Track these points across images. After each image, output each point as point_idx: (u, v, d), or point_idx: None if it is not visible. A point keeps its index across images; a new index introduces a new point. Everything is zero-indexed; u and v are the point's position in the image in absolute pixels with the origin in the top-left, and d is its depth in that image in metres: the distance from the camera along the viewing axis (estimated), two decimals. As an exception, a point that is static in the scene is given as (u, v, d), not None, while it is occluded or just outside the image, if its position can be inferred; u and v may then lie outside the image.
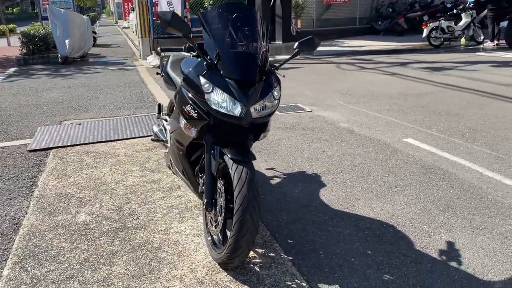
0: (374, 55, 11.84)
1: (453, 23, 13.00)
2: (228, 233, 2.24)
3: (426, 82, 7.57)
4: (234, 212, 2.12)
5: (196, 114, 2.31)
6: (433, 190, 3.35)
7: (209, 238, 2.49)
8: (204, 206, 2.36)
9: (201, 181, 2.53)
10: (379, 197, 3.26)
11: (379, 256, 2.51)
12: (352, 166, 3.88)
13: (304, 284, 2.24)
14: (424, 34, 13.00)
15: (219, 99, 2.18)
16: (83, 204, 3.22)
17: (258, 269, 2.37)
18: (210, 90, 2.20)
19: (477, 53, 11.26)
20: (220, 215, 2.30)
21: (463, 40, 13.22)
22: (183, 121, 2.43)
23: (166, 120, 3.49)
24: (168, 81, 3.40)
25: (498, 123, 5.07)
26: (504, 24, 11.47)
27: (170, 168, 3.27)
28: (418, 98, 6.42)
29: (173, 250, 2.58)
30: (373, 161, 4.00)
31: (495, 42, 12.69)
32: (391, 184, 3.49)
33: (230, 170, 2.20)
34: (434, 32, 12.94)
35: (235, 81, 2.20)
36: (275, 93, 2.33)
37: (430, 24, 12.97)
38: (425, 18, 16.33)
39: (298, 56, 2.53)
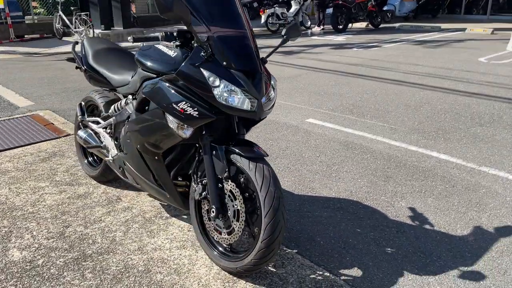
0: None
1: (286, 10, 14.08)
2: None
3: (290, 66, 8.07)
4: (265, 214, 1.96)
5: (197, 112, 2.03)
6: (364, 164, 3.64)
7: (217, 249, 2.25)
8: (214, 214, 2.12)
9: (195, 186, 2.25)
10: (328, 177, 3.40)
11: (369, 232, 2.65)
12: (282, 150, 3.94)
13: (328, 274, 2.22)
14: (263, 20, 13.77)
15: (228, 93, 1.97)
16: (5, 238, 2.55)
17: (274, 269, 2.25)
18: (217, 84, 1.97)
19: (312, 37, 12.44)
20: (237, 221, 2.10)
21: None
22: (174, 121, 2.11)
23: (97, 123, 2.98)
24: (96, 77, 2.90)
25: (372, 98, 5.74)
26: (329, 11, 12.89)
27: (123, 178, 2.82)
28: (292, 81, 6.82)
29: (167, 270, 2.26)
30: (296, 143, 4.13)
31: (321, 27, 14.25)
32: (328, 163, 3.67)
33: (247, 170, 2.02)
34: (270, 18, 13.81)
35: (241, 72, 2.01)
36: (274, 82, 2.22)
37: (267, 11, 13.79)
38: (255, 5, 17.33)
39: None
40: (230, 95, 1.97)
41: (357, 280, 2.20)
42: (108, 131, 2.89)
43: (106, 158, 2.87)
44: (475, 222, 2.74)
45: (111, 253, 2.40)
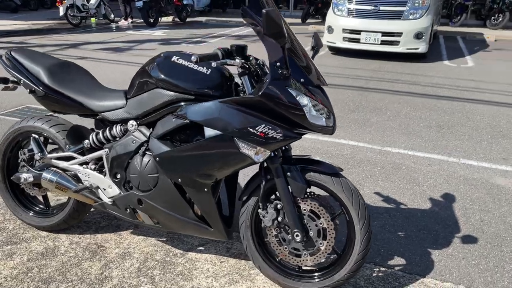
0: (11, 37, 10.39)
1: (86, 1, 12.91)
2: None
3: (136, 65, 7.59)
4: (360, 227, 2.02)
5: (280, 135, 1.92)
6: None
7: (289, 273, 2.17)
8: (299, 238, 2.05)
9: (264, 212, 2.10)
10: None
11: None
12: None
13: (378, 268, 2.41)
14: (61, 13, 12.32)
15: (316, 111, 1.94)
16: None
17: (339, 277, 2.31)
18: (305, 103, 1.91)
19: (128, 32, 11.81)
20: (324, 239, 2.08)
21: (93, 19, 13.39)
22: (249, 147, 1.94)
23: (66, 159, 2.38)
24: (64, 101, 2.33)
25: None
26: (139, 4, 12.42)
27: (129, 220, 2.32)
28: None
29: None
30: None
31: (129, 20, 13.63)
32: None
33: (332, 187, 2.03)
34: (70, 10, 12.47)
35: (318, 88, 2.00)
36: None
37: (65, 1, 12.37)
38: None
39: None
40: (317, 113, 1.94)
41: (407, 267, 2.46)
42: (93, 166, 2.36)
43: (95, 204, 2.34)
44: (426, 194, 3.32)
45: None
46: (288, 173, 2.05)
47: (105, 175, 2.33)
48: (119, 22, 13.58)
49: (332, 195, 2.07)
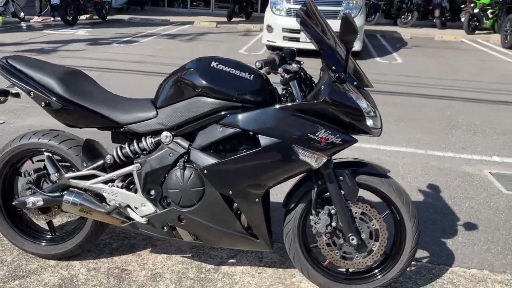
0: None
1: (-9, -2, 11.68)
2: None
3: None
4: (412, 225, 2.09)
5: (340, 139, 1.92)
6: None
7: (338, 278, 2.18)
8: (355, 242, 2.06)
9: (315, 218, 2.07)
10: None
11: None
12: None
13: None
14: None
15: (373, 113, 1.97)
16: None
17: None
18: (364, 106, 1.93)
19: (45, 32, 10.87)
20: (376, 240, 2.10)
21: (0, 17, 12.17)
22: (307, 153, 1.90)
23: (87, 178, 2.14)
24: (84, 114, 2.11)
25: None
26: (55, 1, 11.50)
27: (166, 239, 2.14)
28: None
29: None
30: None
31: (40, 18, 12.58)
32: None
33: (383, 188, 2.07)
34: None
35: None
36: None
37: (-33, -2, 11.07)
38: None
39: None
40: (374, 116, 1.96)
41: (433, 258, 2.57)
42: (120, 184, 2.15)
43: (124, 224, 2.14)
44: (413, 186, 3.50)
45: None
46: (340, 177, 2.05)
47: (136, 193, 2.14)
48: (30, 21, 12.46)
49: (382, 196, 2.11)
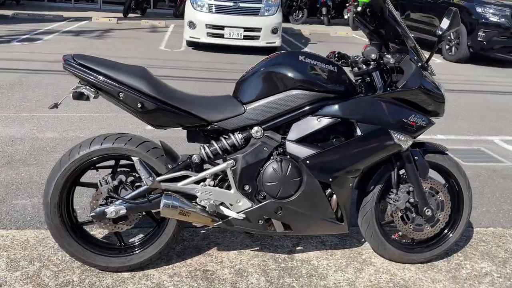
0: None
1: None
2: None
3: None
4: (469, 195, 2.42)
5: (425, 122, 2.17)
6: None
7: (408, 248, 2.45)
8: (430, 214, 2.33)
9: (395, 197, 2.28)
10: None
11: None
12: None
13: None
14: None
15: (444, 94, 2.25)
16: None
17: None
18: (444, 92, 2.20)
19: None
20: (442, 210, 2.38)
21: None
22: (401, 137, 2.11)
23: (177, 179, 2.06)
24: (177, 113, 2.04)
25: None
26: None
27: (263, 232, 2.13)
28: (19, 90, 5.46)
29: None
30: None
31: None
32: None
33: (447, 165, 2.37)
34: None
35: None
36: None
37: None
38: None
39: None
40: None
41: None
42: (212, 182, 2.10)
43: (217, 223, 2.10)
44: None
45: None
46: (415, 157, 2.28)
47: (229, 189, 2.11)
48: None
49: (444, 171, 2.40)
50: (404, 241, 2.49)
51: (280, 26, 8.80)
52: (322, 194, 2.16)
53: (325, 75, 2.09)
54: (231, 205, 2.12)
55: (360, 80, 2.25)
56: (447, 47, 9.46)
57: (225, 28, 8.41)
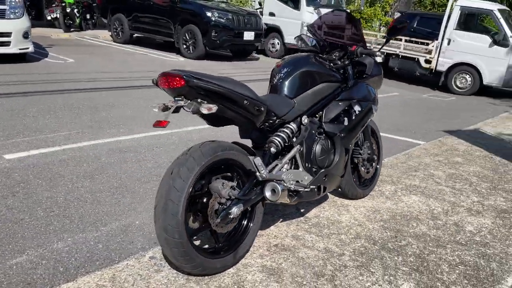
0: None
1: None
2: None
3: None
4: (381, 145, 3.63)
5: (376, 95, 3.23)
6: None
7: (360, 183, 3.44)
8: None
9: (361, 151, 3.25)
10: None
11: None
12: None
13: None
14: None
15: None
16: None
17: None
18: None
19: None
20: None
21: None
22: (376, 107, 3.10)
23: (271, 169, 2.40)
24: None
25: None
26: None
27: (315, 198, 2.63)
28: None
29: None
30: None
31: None
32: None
33: (373, 126, 3.48)
34: None
35: None
36: None
37: None
38: None
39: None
40: None
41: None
42: (287, 166, 2.52)
43: (293, 200, 2.54)
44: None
45: None
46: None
47: (298, 168, 2.55)
48: None
49: (372, 130, 3.51)
50: (362, 182, 3.46)
51: (30, 29, 7.93)
52: (346, 158, 2.89)
53: (335, 69, 2.82)
54: (301, 181, 2.58)
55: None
56: (184, 46, 10.78)
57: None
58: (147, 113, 5.53)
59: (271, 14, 12.70)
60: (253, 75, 9.46)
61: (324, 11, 12.21)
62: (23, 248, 2.45)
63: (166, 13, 10.99)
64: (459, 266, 2.63)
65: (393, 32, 3.12)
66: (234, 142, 2.38)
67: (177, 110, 2.05)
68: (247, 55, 12.05)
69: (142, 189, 3.34)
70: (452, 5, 10.17)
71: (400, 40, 10.75)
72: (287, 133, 2.54)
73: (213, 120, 2.36)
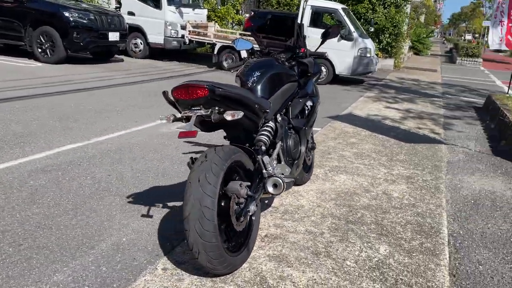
0: None
1: None
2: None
3: None
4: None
5: None
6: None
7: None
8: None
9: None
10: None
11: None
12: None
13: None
14: None
15: None
16: None
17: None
18: None
19: None
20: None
21: None
22: (319, 102, 3.51)
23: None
24: None
25: None
26: None
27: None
28: None
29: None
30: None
31: None
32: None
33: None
34: None
35: None
36: None
37: None
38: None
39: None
40: None
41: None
42: (275, 161, 2.75)
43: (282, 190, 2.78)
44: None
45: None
46: None
47: (281, 162, 2.79)
48: None
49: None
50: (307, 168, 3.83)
51: None
52: (306, 149, 3.22)
53: (294, 70, 3.11)
54: (285, 174, 2.82)
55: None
56: (40, 50, 9.82)
57: None
58: (40, 128, 5.01)
59: (130, 13, 12.29)
60: (127, 77, 9.15)
61: (185, 10, 12.43)
62: (18, 289, 2.19)
63: (13, 14, 9.79)
64: (408, 226, 3.21)
65: (326, 34, 3.55)
66: (232, 145, 2.51)
67: (188, 119, 2.11)
68: (110, 56, 11.50)
69: (101, 206, 3.16)
70: (304, 5, 11.32)
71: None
72: (269, 131, 2.75)
73: (207, 125, 2.44)
